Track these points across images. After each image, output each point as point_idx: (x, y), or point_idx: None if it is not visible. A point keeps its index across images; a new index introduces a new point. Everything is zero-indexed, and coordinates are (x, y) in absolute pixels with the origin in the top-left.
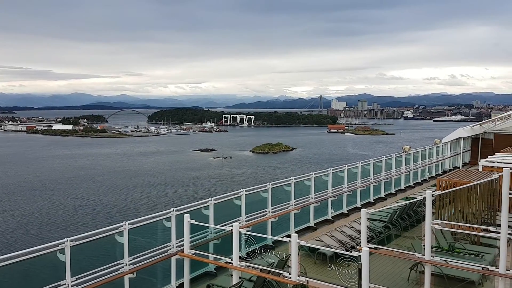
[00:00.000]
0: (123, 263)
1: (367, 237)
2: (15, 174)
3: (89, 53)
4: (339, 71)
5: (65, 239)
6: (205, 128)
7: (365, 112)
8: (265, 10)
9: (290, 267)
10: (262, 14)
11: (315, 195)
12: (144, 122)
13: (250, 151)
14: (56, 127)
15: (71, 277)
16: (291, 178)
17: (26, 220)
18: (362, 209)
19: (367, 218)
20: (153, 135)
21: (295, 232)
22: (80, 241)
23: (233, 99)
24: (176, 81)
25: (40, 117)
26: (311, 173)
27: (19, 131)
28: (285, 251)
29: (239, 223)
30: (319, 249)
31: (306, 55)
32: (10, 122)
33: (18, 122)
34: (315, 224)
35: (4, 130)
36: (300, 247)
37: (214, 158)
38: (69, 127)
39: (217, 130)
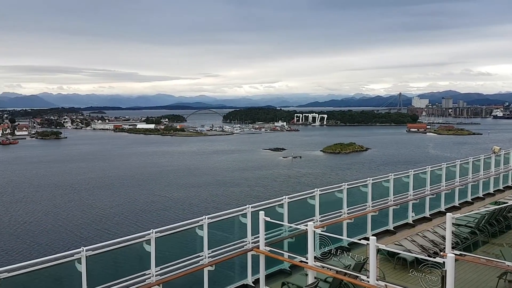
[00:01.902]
0: (203, 255)
1: (451, 243)
2: (100, 169)
3: (170, 56)
4: (420, 67)
5: (150, 231)
6: (277, 127)
7: (449, 110)
8: (339, 6)
9: (368, 270)
10: (336, 11)
11: (394, 197)
12: (219, 122)
13: (320, 150)
14: (140, 126)
15: (155, 267)
16: (368, 179)
17: (112, 212)
18: (447, 214)
19: (452, 223)
20: (226, 134)
21: (373, 235)
22: (164, 233)
23: (306, 97)
24: (250, 81)
25: (126, 117)
26: (390, 174)
27: (107, 129)
28: (362, 254)
29: (314, 222)
30: (399, 253)
31: (384, 51)
32: (99, 121)
33: (107, 121)
34: (394, 227)
35: (94, 129)
36: (378, 251)
37: (283, 157)
38: (152, 126)
39: (289, 129)
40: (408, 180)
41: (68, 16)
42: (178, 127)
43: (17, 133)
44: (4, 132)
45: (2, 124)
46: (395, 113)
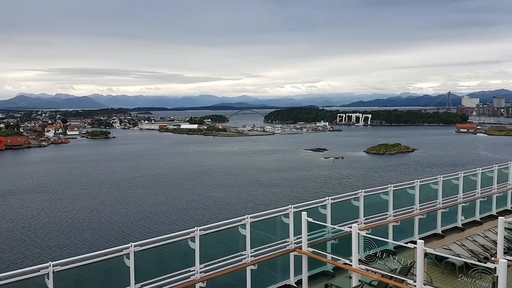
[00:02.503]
0: (245, 254)
1: (504, 248)
2: (144, 168)
3: (213, 58)
4: (470, 65)
5: (195, 228)
6: (319, 127)
7: (501, 110)
8: (384, 3)
9: (415, 274)
10: (381, 8)
11: (443, 200)
12: (261, 122)
13: (364, 151)
14: (184, 126)
15: (199, 264)
16: (416, 180)
17: (154, 210)
18: (499, 217)
19: (504, 228)
20: (267, 134)
21: (420, 239)
22: (208, 230)
23: (350, 97)
24: (292, 81)
25: (171, 117)
26: (439, 176)
27: (152, 129)
28: (408, 258)
29: (358, 224)
30: (447, 258)
31: (432, 48)
32: (146, 122)
33: (152, 121)
34: (442, 231)
35: (140, 129)
36: (426, 255)
37: (325, 158)
38: (195, 126)
39: (331, 129)
40: (458, 183)
41: (117, 19)
42: (220, 127)
43: (68, 132)
44: (57, 132)
45: (54, 124)
46: (443, 112)
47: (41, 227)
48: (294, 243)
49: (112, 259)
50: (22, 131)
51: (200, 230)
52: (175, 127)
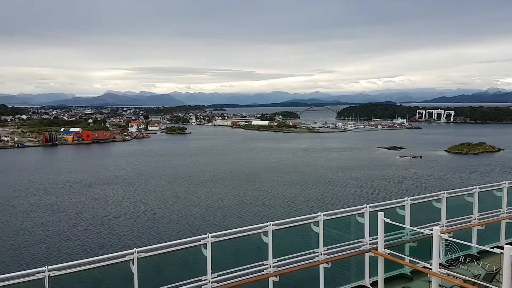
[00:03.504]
0: (318, 252)
1: None
2: (214, 163)
3: (286, 54)
4: None
5: (268, 223)
6: (395, 125)
7: None
8: None
9: (500, 282)
10: None
11: None
12: (333, 118)
13: (445, 150)
14: (255, 122)
15: (272, 258)
16: (504, 182)
17: (221, 204)
18: None
19: None
20: (339, 131)
21: (507, 244)
22: (281, 226)
23: (431, 92)
24: (368, 76)
25: (243, 114)
26: None
27: (225, 125)
28: (494, 264)
29: (440, 227)
30: None
31: None
32: (219, 118)
33: (226, 117)
34: None
35: (214, 125)
36: None
37: (400, 157)
38: (266, 122)
39: (409, 126)
40: None
41: (194, 19)
42: (290, 123)
43: (149, 128)
44: (139, 127)
45: (137, 120)
46: None
47: (120, 216)
48: (370, 244)
49: (191, 248)
50: (108, 126)
51: (273, 225)
52: (247, 123)
